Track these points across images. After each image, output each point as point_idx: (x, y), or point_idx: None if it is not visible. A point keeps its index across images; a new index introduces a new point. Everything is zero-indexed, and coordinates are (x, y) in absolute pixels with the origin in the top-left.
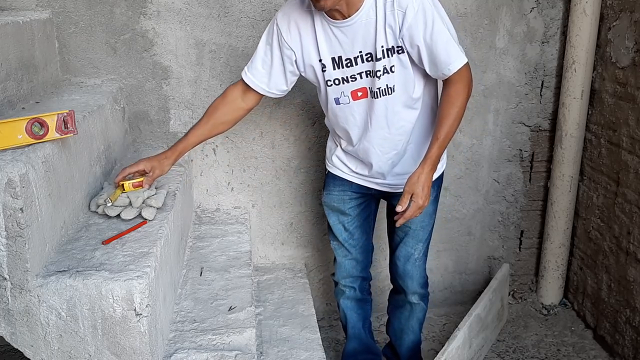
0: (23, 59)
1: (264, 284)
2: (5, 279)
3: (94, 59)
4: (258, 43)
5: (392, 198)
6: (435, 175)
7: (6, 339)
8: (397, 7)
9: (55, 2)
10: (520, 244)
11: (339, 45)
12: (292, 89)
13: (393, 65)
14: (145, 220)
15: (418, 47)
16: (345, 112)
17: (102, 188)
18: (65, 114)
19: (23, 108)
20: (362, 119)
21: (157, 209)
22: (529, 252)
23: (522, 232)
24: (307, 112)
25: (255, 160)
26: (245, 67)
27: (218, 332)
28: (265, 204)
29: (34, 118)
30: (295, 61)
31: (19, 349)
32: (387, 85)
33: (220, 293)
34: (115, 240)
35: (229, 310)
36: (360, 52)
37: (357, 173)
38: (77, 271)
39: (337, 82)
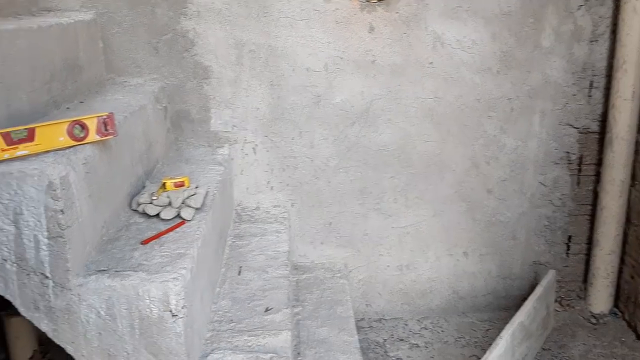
0: (68, 59)
1: (303, 283)
2: (48, 277)
3: (137, 58)
4: None
5: None
6: None
7: (49, 335)
8: None
9: (99, 3)
10: (568, 249)
11: None
12: (329, 87)
13: None
14: (183, 221)
15: None
16: None
17: (144, 187)
18: (105, 117)
19: (68, 108)
20: None
21: (196, 209)
22: (577, 258)
23: (569, 237)
24: (346, 111)
25: (295, 160)
26: None
27: (254, 333)
28: (304, 203)
29: (75, 120)
30: None
31: (61, 345)
32: None
33: (258, 293)
34: (154, 241)
35: (265, 312)
36: None
37: None
38: (116, 271)
39: None
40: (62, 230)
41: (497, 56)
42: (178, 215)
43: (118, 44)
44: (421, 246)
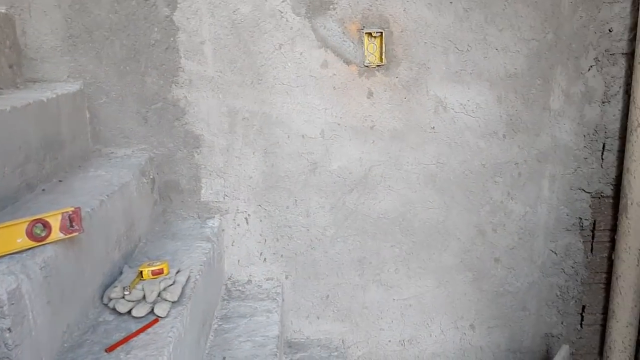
0: (46, 137)
1: None
2: None
3: (125, 128)
4: None
5: None
6: None
7: None
8: None
9: (87, 73)
10: (582, 320)
11: None
12: (326, 154)
13: None
14: (157, 318)
15: None
16: None
17: (121, 273)
18: (71, 212)
19: (43, 190)
20: None
21: (172, 302)
22: (591, 330)
23: (583, 307)
24: (344, 178)
25: (289, 229)
26: None
27: None
28: (299, 275)
29: (35, 219)
30: None
31: None
32: None
33: None
34: (121, 347)
35: None
36: None
37: None
38: None
39: None
40: (9, 350)
41: (504, 120)
42: (152, 312)
43: (105, 114)
44: (424, 319)
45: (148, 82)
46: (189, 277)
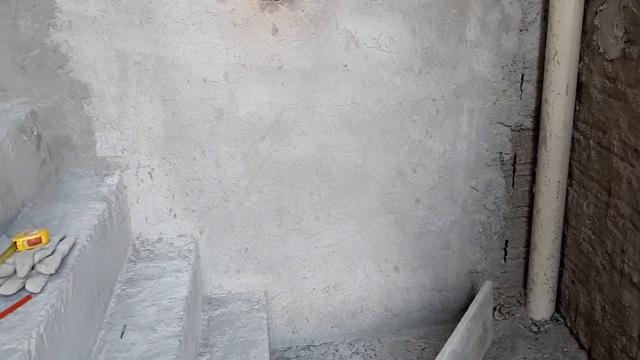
0: None
1: (215, 321)
2: None
3: (1, 80)
4: None
5: None
6: None
7: None
8: None
9: None
10: (506, 254)
11: None
12: (232, 99)
13: None
14: (29, 295)
15: None
16: None
17: None
18: None
19: None
20: None
21: (50, 275)
22: (515, 263)
23: (506, 241)
24: (254, 125)
25: (199, 182)
26: None
27: None
28: (214, 229)
29: None
30: None
31: None
32: None
33: None
34: None
35: None
36: None
37: None
38: None
39: None
40: None
41: (419, 53)
42: (24, 288)
43: None
44: (348, 264)
45: (21, 26)
46: (74, 244)
